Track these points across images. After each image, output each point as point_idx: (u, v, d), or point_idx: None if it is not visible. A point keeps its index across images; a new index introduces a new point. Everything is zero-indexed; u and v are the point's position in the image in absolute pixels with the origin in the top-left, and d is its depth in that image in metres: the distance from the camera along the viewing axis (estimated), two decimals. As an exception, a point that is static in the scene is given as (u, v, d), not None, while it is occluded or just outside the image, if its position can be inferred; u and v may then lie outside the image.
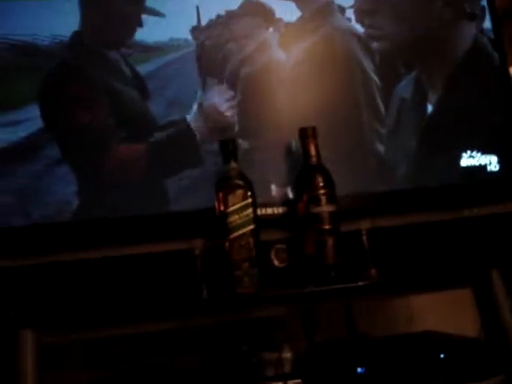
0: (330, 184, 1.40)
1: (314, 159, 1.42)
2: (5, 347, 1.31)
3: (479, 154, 1.65)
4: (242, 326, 1.59)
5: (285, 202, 1.52)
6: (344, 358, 1.39)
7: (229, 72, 1.59)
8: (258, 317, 1.52)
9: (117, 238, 1.45)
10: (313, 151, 1.42)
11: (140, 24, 1.56)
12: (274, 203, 1.51)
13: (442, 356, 1.36)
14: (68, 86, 1.51)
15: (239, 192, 1.34)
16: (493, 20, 1.75)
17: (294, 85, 1.60)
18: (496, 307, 1.52)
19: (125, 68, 1.54)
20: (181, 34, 1.57)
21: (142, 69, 1.55)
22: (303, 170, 1.43)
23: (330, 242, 1.37)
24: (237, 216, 1.33)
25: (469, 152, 1.65)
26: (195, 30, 1.58)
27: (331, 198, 1.38)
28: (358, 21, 1.66)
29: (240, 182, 1.36)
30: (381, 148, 1.61)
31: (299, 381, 1.30)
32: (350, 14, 1.66)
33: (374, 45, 1.65)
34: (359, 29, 1.66)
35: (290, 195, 1.53)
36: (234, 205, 1.33)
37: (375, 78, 1.63)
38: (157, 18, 1.56)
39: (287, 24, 1.63)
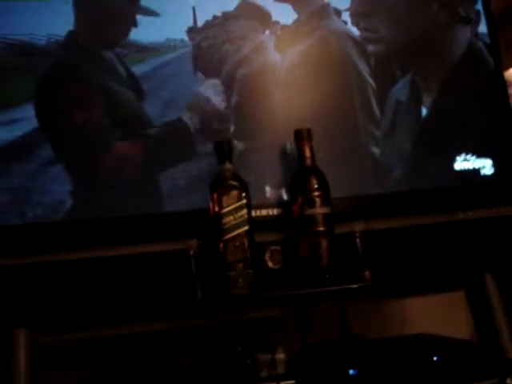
0: (324, 186, 1.40)
1: (308, 161, 1.43)
2: (-1, 346, 1.31)
3: (474, 158, 1.66)
4: (237, 326, 1.59)
5: (279, 203, 1.52)
6: (337, 360, 1.39)
7: (225, 73, 1.59)
8: (252, 318, 1.52)
9: (111, 237, 1.45)
10: (308, 153, 1.43)
11: (135, 24, 1.56)
12: (268, 205, 1.51)
13: (435, 359, 1.36)
14: (63, 86, 1.51)
15: (234, 193, 1.34)
16: (488, 24, 1.75)
17: (289, 87, 1.61)
18: (489, 310, 1.52)
19: (120, 68, 1.54)
20: (177, 34, 1.57)
21: (138, 69, 1.55)
22: (298, 172, 1.44)
23: (324, 243, 1.37)
24: (231, 217, 1.33)
25: (463, 155, 1.65)
26: (191, 30, 1.58)
27: (325, 200, 1.39)
28: (353, 23, 1.66)
29: (235, 183, 1.35)
30: (376, 151, 1.62)
31: (292, 382, 1.30)
32: (345, 16, 1.67)
33: (370, 47, 1.66)
34: (355, 31, 1.66)
35: (285, 197, 1.53)
36: (228, 206, 1.33)
37: (370, 80, 1.64)
38: (153, 19, 1.57)
39: (283, 27, 1.63)
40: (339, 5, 1.67)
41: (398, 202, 1.61)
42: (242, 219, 1.33)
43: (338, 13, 1.66)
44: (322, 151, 1.46)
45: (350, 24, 1.67)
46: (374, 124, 1.62)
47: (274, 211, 1.51)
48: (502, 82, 1.74)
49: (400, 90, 1.67)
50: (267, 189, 1.54)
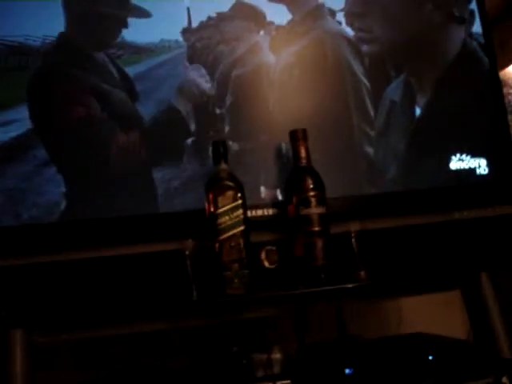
0: (319, 186, 1.40)
1: (304, 161, 1.43)
2: (-5, 347, 1.31)
3: (469, 157, 1.66)
4: (232, 326, 1.59)
5: (275, 203, 1.52)
6: (333, 360, 1.39)
7: (220, 73, 1.60)
8: (247, 318, 1.52)
9: (107, 238, 1.45)
10: (303, 153, 1.43)
11: (125, 25, 1.57)
12: (264, 205, 1.51)
13: (430, 358, 1.37)
14: (54, 86, 1.51)
15: (229, 193, 1.34)
16: (483, 24, 1.76)
17: (284, 87, 1.61)
18: (485, 309, 1.53)
19: (112, 69, 1.54)
20: (172, 35, 1.58)
21: (132, 70, 1.56)
22: (293, 172, 1.44)
23: (320, 243, 1.37)
24: (227, 217, 1.33)
25: (458, 155, 1.66)
26: (186, 31, 1.59)
27: (321, 200, 1.39)
28: (348, 24, 1.67)
29: (230, 183, 1.35)
30: (370, 151, 1.62)
31: (288, 381, 1.30)
32: (340, 17, 1.67)
33: (364, 48, 1.66)
34: (349, 32, 1.67)
35: (280, 197, 1.53)
36: (224, 206, 1.33)
37: (365, 80, 1.64)
38: (147, 20, 1.57)
39: (278, 27, 1.63)
40: (334, 5, 1.67)
41: (394, 202, 1.61)
42: (237, 219, 1.33)
43: (333, 13, 1.67)
44: (317, 151, 1.46)
45: (344, 24, 1.67)
46: (368, 124, 1.63)
47: (270, 211, 1.51)
48: (497, 81, 1.74)
49: (394, 90, 1.67)
50: (262, 189, 1.54)
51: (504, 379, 1.33)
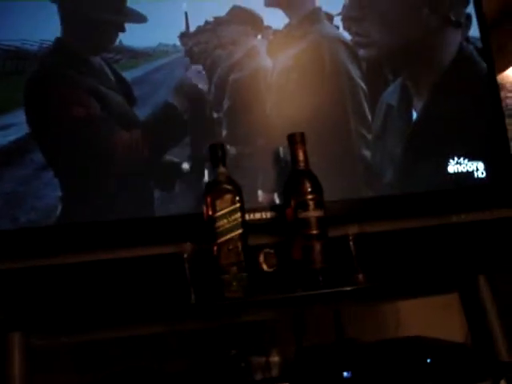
0: (317, 189, 1.40)
1: (302, 164, 1.43)
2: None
3: (466, 161, 1.66)
4: (231, 330, 1.59)
5: (273, 206, 1.52)
6: (331, 363, 1.39)
7: (217, 77, 1.60)
8: (246, 321, 1.52)
9: (105, 241, 1.45)
10: (301, 157, 1.43)
11: (122, 30, 1.57)
12: (262, 208, 1.52)
13: (428, 361, 1.37)
14: (53, 89, 1.52)
15: (227, 196, 1.34)
16: (481, 27, 1.76)
17: (282, 91, 1.62)
18: (483, 312, 1.53)
19: (109, 74, 1.55)
20: (169, 39, 1.59)
21: (130, 74, 1.56)
22: (291, 176, 1.44)
23: (318, 247, 1.37)
24: (225, 220, 1.33)
25: (456, 158, 1.66)
26: (184, 35, 1.59)
27: (319, 204, 1.39)
28: (345, 28, 1.67)
29: (228, 187, 1.36)
30: (368, 154, 1.62)
31: (286, 384, 1.31)
32: (337, 21, 1.68)
33: (361, 52, 1.67)
34: (347, 36, 1.67)
35: (278, 200, 1.53)
36: (222, 209, 1.33)
37: (362, 84, 1.65)
38: (145, 24, 1.57)
39: (275, 31, 1.64)
40: (331, 9, 1.68)
41: (392, 205, 1.61)
42: (235, 223, 1.33)
43: (330, 17, 1.67)
44: (314, 155, 1.46)
45: (341, 28, 1.67)
46: (365, 128, 1.63)
47: (268, 214, 1.51)
48: (495, 85, 1.75)
49: (391, 94, 1.68)
50: (260, 192, 1.55)
51: (502, 382, 1.33)
